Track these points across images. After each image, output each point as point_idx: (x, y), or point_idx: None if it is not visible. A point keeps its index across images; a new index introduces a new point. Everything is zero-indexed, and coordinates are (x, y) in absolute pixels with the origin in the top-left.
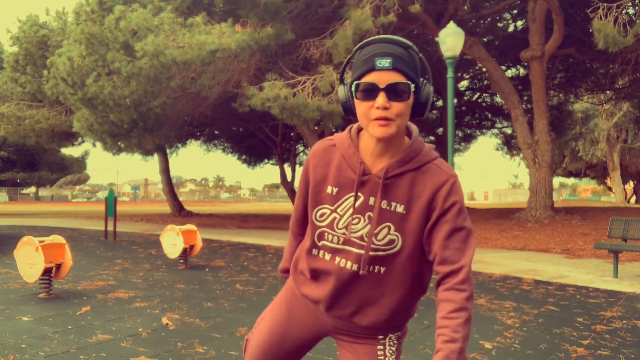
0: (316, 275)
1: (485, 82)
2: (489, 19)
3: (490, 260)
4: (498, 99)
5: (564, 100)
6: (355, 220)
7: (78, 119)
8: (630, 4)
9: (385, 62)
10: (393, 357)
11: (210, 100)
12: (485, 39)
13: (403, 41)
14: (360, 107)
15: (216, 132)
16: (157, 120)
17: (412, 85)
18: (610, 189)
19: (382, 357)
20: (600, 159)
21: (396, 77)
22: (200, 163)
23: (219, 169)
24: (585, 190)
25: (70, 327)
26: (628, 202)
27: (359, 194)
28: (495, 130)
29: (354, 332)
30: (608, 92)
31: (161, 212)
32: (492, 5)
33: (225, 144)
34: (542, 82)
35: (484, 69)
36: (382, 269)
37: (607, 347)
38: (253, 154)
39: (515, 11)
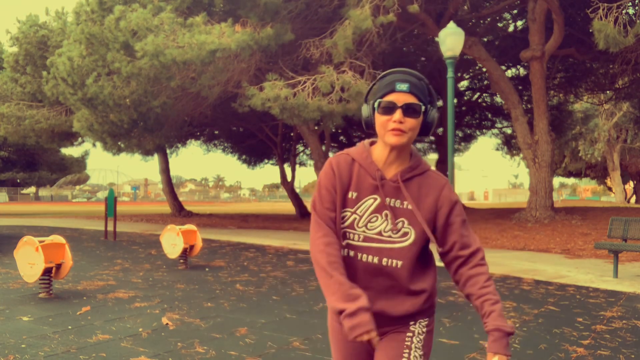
0: (348, 275)
1: (485, 82)
2: (489, 19)
3: (490, 260)
4: (498, 99)
5: (564, 100)
6: (374, 219)
7: (78, 119)
8: (630, 4)
9: (403, 86)
10: (420, 344)
11: (210, 100)
12: (485, 39)
13: (417, 74)
14: (380, 119)
15: (216, 132)
16: (157, 120)
17: (423, 107)
18: (610, 189)
19: (408, 343)
20: (600, 159)
21: (411, 99)
22: (200, 163)
23: (219, 169)
24: (585, 190)
25: (70, 327)
26: (628, 202)
27: (376, 195)
28: (495, 130)
29: (388, 324)
30: (608, 92)
31: (161, 212)
32: (492, 5)
33: (225, 144)
34: (542, 82)
35: (484, 69)
36: (399, 263)
37: (607, 347)
38: (253, 154)
39: (515, 11)
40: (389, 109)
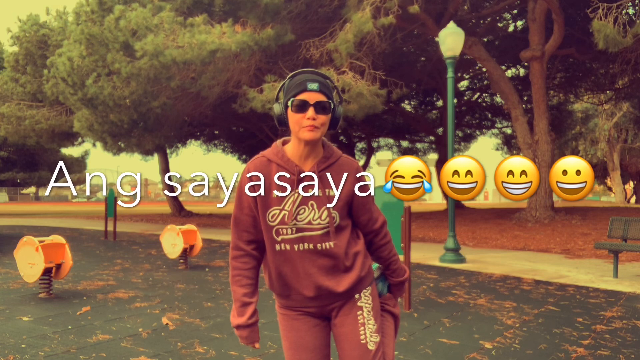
0: (286, 269)
1: (485, 82)
2: (489, 19)
3: (490, 260)
4: (498, 99)
5: (564, 100)
6: (301, 211)
7: (78, 119)
8: (630, 4)
9: (314, 86)
10: (371, 315)
11: (210, 100)
12: (485, 39)
13: (324, 74)
14: (294, 117)
15: (216, 132)
16: (157, 120)
17: (332, 104)
18: (610, 189)
19: (361, 320)
20: (600, 159)
21: (321, 97)
22: (200, 163)
23: (219, 169)
24: None
25: (70, 327)
26: (628, 202)
27: (299, 189)
28: (495, 130)
29: (336, 300)
30: (608, 92)
31: (161, 212)
32: (492, 5)
33: (225, 144)
34: (542, 82)
35: (484, 69)
36: (332, 244)
37: (607, 347)
38: (253, 154)
39: (515, 11)
40: (302, 107)
